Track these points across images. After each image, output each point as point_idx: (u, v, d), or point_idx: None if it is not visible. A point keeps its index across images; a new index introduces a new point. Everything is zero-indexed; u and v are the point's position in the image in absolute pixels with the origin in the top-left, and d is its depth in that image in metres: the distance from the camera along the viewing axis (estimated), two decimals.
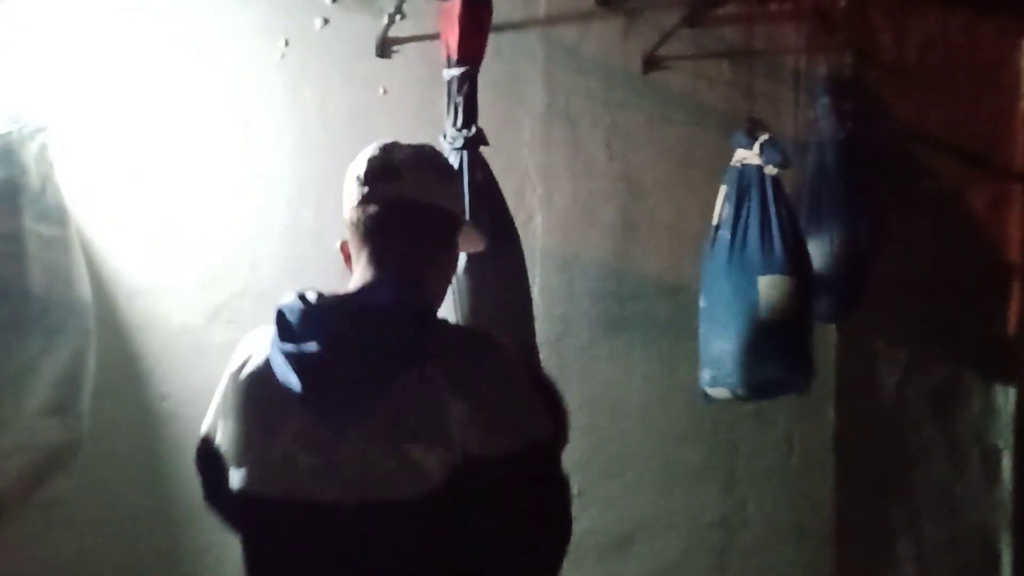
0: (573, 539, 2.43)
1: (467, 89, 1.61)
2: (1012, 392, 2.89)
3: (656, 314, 2.45)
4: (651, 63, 2.45)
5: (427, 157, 1.19)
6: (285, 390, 1.06)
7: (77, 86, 1.91)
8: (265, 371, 1.10)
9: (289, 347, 1.06)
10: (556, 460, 1.16)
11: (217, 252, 2.07)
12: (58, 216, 1.68)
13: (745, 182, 2.12)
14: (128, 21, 1.97)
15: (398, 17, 2.11)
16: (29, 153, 1.61)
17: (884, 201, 2.53)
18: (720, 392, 2.12)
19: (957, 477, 2.84)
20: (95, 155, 1.92)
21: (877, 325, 2.75)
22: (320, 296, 1.10)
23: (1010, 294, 2.92)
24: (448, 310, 1.56)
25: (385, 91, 2.17)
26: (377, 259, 1.14)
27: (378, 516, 1.05)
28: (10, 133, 1.59)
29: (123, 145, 1.96)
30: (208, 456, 1.21)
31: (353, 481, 1.05)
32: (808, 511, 2.66)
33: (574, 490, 2.39)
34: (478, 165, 1.64)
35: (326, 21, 2.12)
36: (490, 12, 1.66)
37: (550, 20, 2.34)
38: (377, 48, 2.14)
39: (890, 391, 2.79)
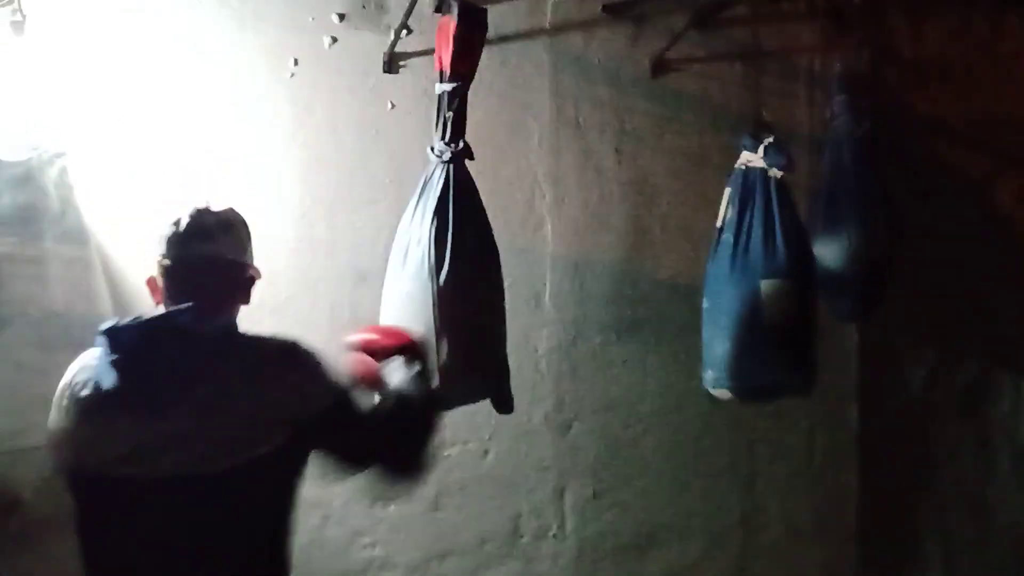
0: (591, 543, 2.46)
1: (457, 105, 1.64)
2: None
3: (670, 317, 2.46)
4: (660, 67, 2.45)
5: (226, 222, 1.47)
6: (111, 391, 1.33)
7: (93, 102, 1.98)
8: (94, 378, 1.37)
9: (112, 356, 1.34)
10: (352, 402, 1.42)
11: None
12: (78, 237, 1.77)
13: (749, 185, 2.11)
14: (141, 25, 2.04)
15: (404, 33, 2.16)
16: (49, 178, 1.70)
17: (905, 198, 2.50)
18: (722, 393, 2.12)
19: (987, 476, 2.79)
20: (112, 172, 2.00)
21: (901, 323, 2.71)
22: (134, 318, 1.38)
23: None
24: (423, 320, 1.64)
25: (393, 105, 2.22)
26: (177, 296, 1.42)
27: (197, 490, 1.31)
28: (30, 160, 1.67)
29: (139, 162, 2.03)
30: (55, 449, 1.43)
31: (173, 461, 1.31)
32: (831, 512, 2.63)
33: (590, 493, 2.44)
34: (463, 180, 1.67)
35: (334, 40, 2.18)
36: (484, 31, 1.69)
37: (556, 29, 2.37)
38: (384, 64, 2.19)
39: (916, 389, 2.75)
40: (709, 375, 2.14)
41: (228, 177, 2.12)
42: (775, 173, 2.09)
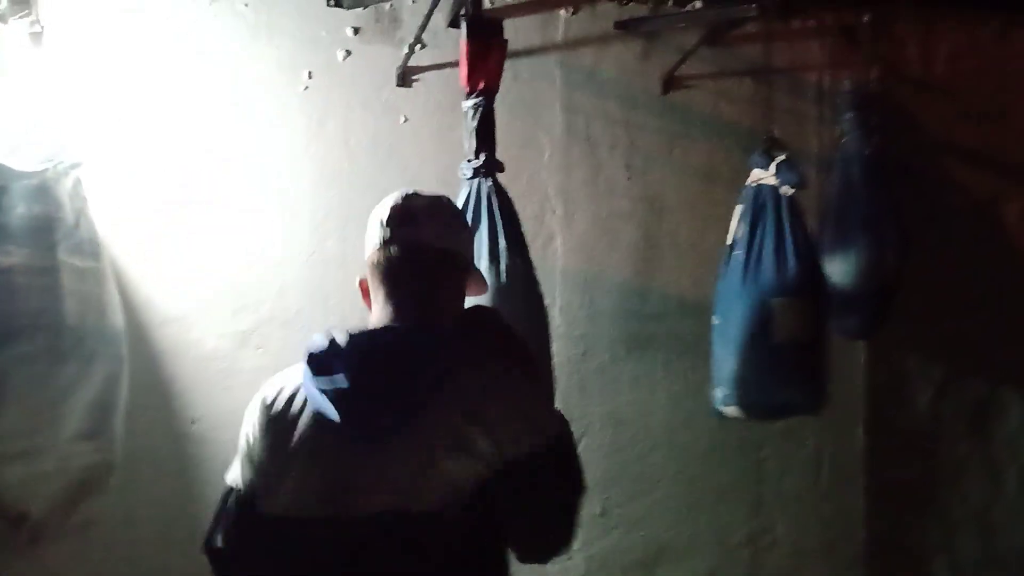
0: (598, 561, 2.45)
1: (479, 119, 1.64)
2: None
3: (679, 333, 2.45)
4: (671, 83, 2.46)
5: (443, 206, 1.30)
6: (321, 419, 1.17)
7: (107, 112, 1.99)
8: (299, 404, 1.21)
9: (323, 382, 1.16)
10: (573, 443, 1.26)
11: (245, 281, 2.14)
12: (91, 249, 1.76)
13: (760, 202, 2.11)
14: (153, 35, 2.04)
15: (418, 47, 2.16)
16: (64, 189, 1.70)
17: (913, 216, 2.50)
18: (732, 411, 2.12)
19: (994, 496, 2.78)
20: (125, 185, 2.00)
21: (909, 341, 2.71)
22: (348, 334, 1.19)
23: None
24: None
25: (406, 119, 2.22)
26: (396, 296, 1.23)
27: (412, 527, 1.15)
28: (45, 171, 1.67)
29: (152, 176, 2.03)
30: (235, 497, 1.28)
31: (389, 497, 1.15)
32: (838, 531, 2.62)
33: (598, 510, 2.42)
34: (495, 193, 1.67)
35: (348, 53, 2.18)
36: (501, 44, 1.68)
37: (568, 44, 2.37)
38: (398, 78, 2.20)
39: (923, 408, 2.74)
40: (719, 393, 2.14)
41: (239, 192, 2.12)
42: (787, 191, 2.09)
